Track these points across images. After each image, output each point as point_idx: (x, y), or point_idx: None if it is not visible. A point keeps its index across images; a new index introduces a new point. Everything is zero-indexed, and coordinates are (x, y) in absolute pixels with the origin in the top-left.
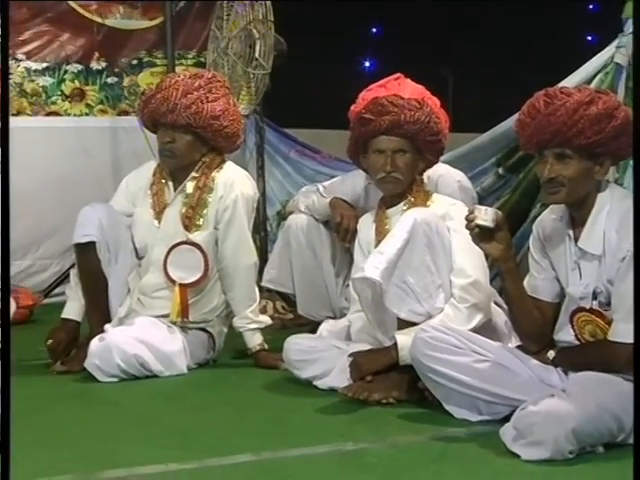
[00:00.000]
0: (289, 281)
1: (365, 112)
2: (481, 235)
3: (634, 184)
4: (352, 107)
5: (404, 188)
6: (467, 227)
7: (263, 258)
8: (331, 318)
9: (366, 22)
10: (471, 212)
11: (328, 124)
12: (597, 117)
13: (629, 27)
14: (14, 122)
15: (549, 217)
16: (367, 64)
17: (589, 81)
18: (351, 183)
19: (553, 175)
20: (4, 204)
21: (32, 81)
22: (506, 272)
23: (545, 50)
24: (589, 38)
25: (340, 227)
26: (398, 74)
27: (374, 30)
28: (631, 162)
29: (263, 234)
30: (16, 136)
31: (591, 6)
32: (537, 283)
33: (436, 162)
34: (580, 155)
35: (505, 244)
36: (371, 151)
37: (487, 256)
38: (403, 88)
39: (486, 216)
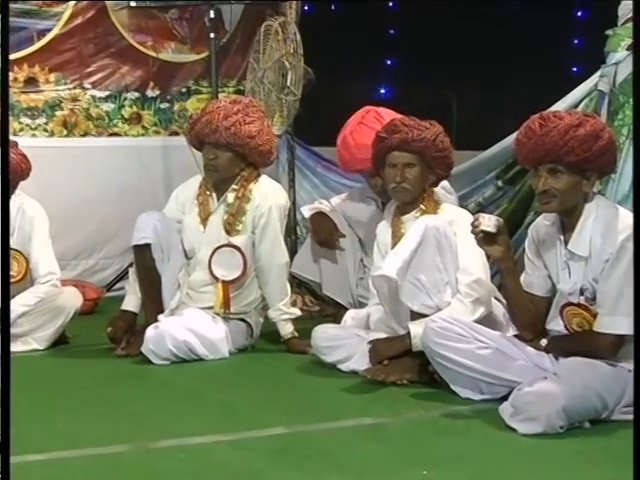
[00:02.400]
0: (315, 270)
1: (381, 131)
2: (484, 239)
3: (634, 184)
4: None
5: (413, 197)
6: (472, 232)
7: (294, 258)
8: (349, 305)
9: (381, 55)
10: (476, 219)
11: None
12: (585, 138)
13: (611, 59)
14: (82, 142)
15: (543, 223)
16: (383, 91)
17: (576, 106)
18: (349, 198)
19: (546, 188)
20: (4, 205)
21: (97, 107)
22: (505, 270)
23: (537, 78)
24: (575, 69)
25: (320, 241)
26: (367, 107)
27: (388, 62)
28: (612, 176)
29: (294, 237)
30: (83, 154)
31: (577, 41)
32: (532, 280)
33: (446, 176)
34: (570, 170)
35: (505, 246)
36: (386, 165)
37: (489, 257)
38: (381, 116)
39: (489, 222)
